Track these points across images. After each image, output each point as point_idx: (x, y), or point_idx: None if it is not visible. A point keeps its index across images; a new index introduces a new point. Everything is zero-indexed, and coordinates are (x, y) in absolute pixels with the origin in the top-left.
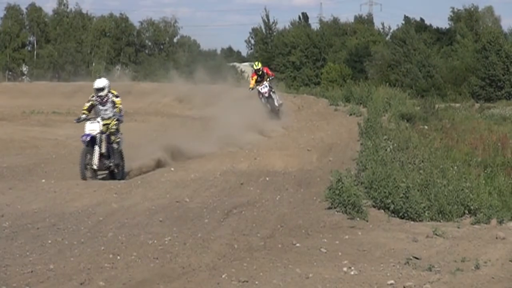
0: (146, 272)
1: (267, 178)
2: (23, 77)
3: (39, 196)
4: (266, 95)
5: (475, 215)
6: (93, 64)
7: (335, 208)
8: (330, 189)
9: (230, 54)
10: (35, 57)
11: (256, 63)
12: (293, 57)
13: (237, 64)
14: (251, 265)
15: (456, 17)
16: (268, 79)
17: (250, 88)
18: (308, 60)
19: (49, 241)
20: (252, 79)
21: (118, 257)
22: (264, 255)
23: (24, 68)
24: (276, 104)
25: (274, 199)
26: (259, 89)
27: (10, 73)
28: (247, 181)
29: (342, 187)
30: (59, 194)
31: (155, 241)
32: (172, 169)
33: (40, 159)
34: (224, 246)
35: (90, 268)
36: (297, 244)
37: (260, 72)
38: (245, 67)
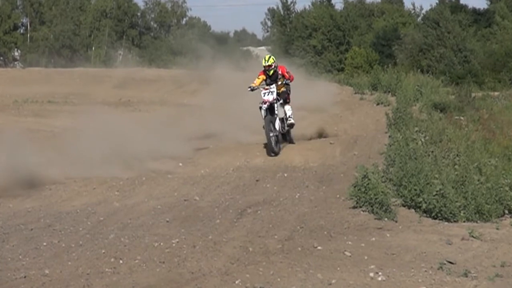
0: (151, 278)
1: (285, 174)
2: (15, 63)
3: (32, 194)
4: (265, 106)
5: None
6: (93, 48)
7: (360, 207)
8: (355, 186)
9: (244, 37)
10: (28, 40)
11: (266, 57)
12: (314, 40)
13: (251, 48)
14: (267, 270)
15: None
16: (283, 83)
17: (250, 87)
18: (331, 44)
19: (44, 244)
20: (259, 78)
21: (121, 261)
22: (282, 259)
23: (16, 53)
24: (278, 126)
25: (293, 197)
26: (262, 93)
27: (1, 58)
28: (263, 178)
29: (368, 184)
30: (55, 192)
31: (161, 244)
32: (180, 164)
33: None
34: (237, 249)
35: (89, 273)
36: (319, 247)
37: (272, 72)
38: (261, 51)
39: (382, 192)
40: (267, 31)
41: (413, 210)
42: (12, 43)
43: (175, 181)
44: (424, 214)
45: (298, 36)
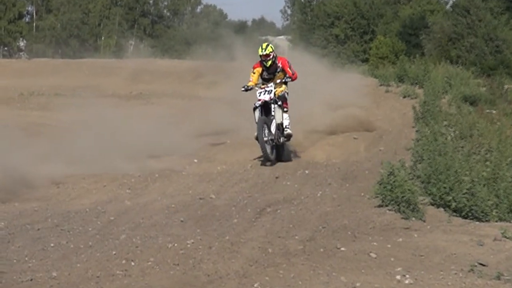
0: (165, 280)
1: (307, 171)
2: (21, 54)
3: (39, 192)
4: (259, 103)
5: None
6: (102, 38)
7: (386, 206)
8: (380, 184)
9: (263, 26)
10: (34, 30)
11: (264, 45)
12: (336, 29)
13: (270, 38)
14: (288, 272)
15: None
16: (283, 81)
17: (245, 86)
18: (355, 33)
19: (52, 245)
20: (254, 74)
21: (132, 263)
22: (304, 260)
23: (22, 43)
24: (274, 130)
25: (314, 195)
26: (257, 92)
27: (5, 48)
28: (283, 175)
29: (394, 181)
30: (63, 190)
31: (176, 245)
32: (195, 160)
33: None
34: (256, 250)
35: (99, 276)
36: (342, 248)
37: (270, 63)
38: (280, 41)
39: (409, 190)
40: (287, 20)
41: (442, 209)
42: (17, 32)
43: (190, 178)
44: (454, 213)
45: (320, 24)
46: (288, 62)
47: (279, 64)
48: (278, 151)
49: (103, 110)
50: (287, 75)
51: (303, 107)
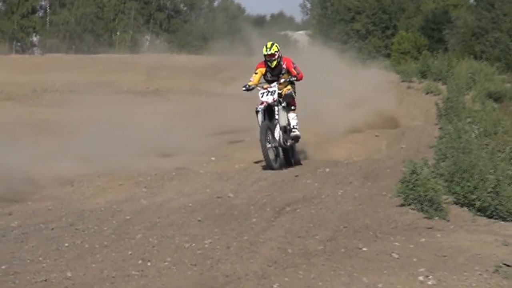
0: (182, 281)
1: (327, 170)
2: (34, 49)
3: (53, 190)
4: (262, 107)
5: None
6: (117, 33)
7: (408, 205)
8: (402, 183)
9: (282, 21)
10: (47, 24)
11: (268, 44)
12: (357, 24)
13: (289, 33)
14: (308, 273)
15: None
16: (288, 80)
17: (246, 86)
18: (376, 28)
19: (66, 244)
20: (256, 74)
21: (149, 263)
22: (324, 261)
23: (35, 38)
24: (278, 136)
25: (335, 194)
26: (259, 93)
27: (18, 44)
28: (302, 173)
29: (417, 180)
30: (78, 188)
31: (193, 245)
32: (213, 158)
33: None
34: (275, 250)
35: (115, 277)
36: (364, 248)
37: (275, 63)
38: (300, 36)
39: (432, 188)
40: (307, 14)
41: (466, 208)
42: (30, 27)
43: (207, 176)
44: (478, 213)
45: (340, 19)
46: (292, 62)
47: (284, 65)
48: (287, 154)
49: (118, 107)
50: (292, 75)
51: (323, 103)
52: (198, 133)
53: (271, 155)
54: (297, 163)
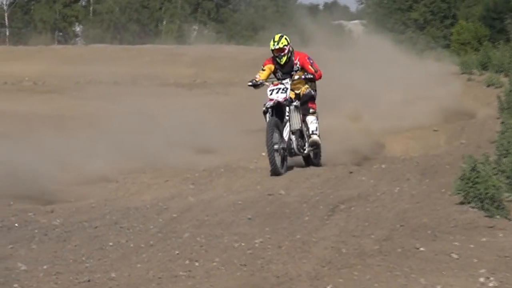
0: (231, 282)
1: (383, 166)
2: (77, 39)
3: (97, 187)
4: (270, 103)
5: None
6: (164, 22)
7: (468, 203)
8: (462, 180)
9: (336, 10)
10: (91, 14)
11: (276, 37)
12: (415, 13)
13: (344, 23)
14: (363, 274)
15: None
16: (303, 77)
17: (253, 81)
18: (434, 17)
19: (110, 244)
20: (264, 70)
21: (196, 264)
22: (380, 261)
23: (78, 28)
24: (287, 135)
25: (391, 191)
26: (268, 90)
27: (60, 34)
28: (357, 169)
29: (477, 176)
30: (122, 185)
31: (243, 244)
32: (263, 154)
33: None
34: (329, 250)
35: (161, 277)
36: (421, 248)
37: (285, 59)
38: (354, 25)
39: (493, 186)
40: (361, 3)
41: None
42: (73, 17)
43: (257, 173)
44: None
45: (397, 8)
46: (309, 58)
47: (297, 61)
48: (307, 162)
49: (164, 100)
50: (308, 72)
51: (379, 97)
52: (248, 127)
53: (278, 159)
54: (318, 164)
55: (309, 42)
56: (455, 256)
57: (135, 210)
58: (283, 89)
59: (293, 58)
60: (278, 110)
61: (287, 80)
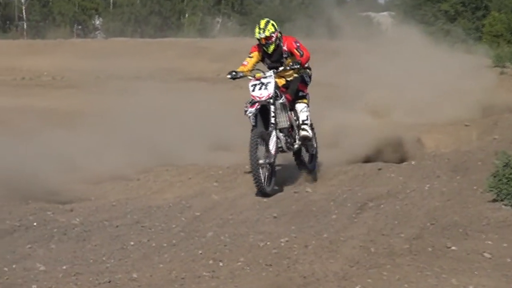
0: (256, 283)
1: (413, 162)
2: (96, 33)
3: (117, 185)
4: (253, 110)
5: None
6: (186, 15)
7: (501, 200)
8: (495, 177)
9: (363, 1)
10: (111, 6)
11: (262, 23)
12: (445, 4)
13: (372, 14)
14: (392, 274)
15: None
16: (292, 66)
17: (233, 73)
18: (466, 8)
19: (132, 243)
20: (251, 57)
21: (220, 264)
22: (410, 261)
23: (98, 21)
24: (274, 147)
25: (421, 189)
26: (250, 85)
27: (80, 27)
28: (386, 166)
29: (511, 173)
30: (144, 183)
31: (268, 243)
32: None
33: None
34: (357, 249)
35: (184, 278)
36: (453, 247)
37: (272, 47)
38: (383, 17)
39: None
40: None
41: None
42: (92, 9)
43: (282, 170)
44: None
45: None
46: (295, 41)
47: (285, 47)
48: (299, 159)
49: (187, 95)
50: (294, 63)
51: (409, 92)
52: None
53: (262, 174)
54: (312, 174)
55: (336, 34)
56: (487, 255)
57: (157, 209)
58: (266, 84)
59: (282, 45)
60: (263, 109)
61: (271, 72)
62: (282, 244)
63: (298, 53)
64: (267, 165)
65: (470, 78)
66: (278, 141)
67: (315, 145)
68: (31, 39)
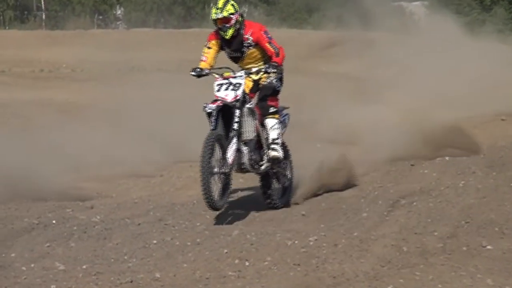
0: (283, 283)
1: (447, 158)
2: (118, 23)
3: (139, 181)
4: (213, 107)
5: None
6: (211, 5)
7: None
8: None
9: None
10: None
11: (220, 3)
12: None
13: (404, 4)
14: (425, 274)
15: None
16: (263, 69)
17: (196, 70)
18: None
19: (154, 242)
20: (210, 48)
21: (247, 263)
22: (444, 260)
23: (119, 11)
24: (232, 156)
25: (456, 185)
26: (215, 85)
27: (100, 17)
28: (419, 162)
29: None
30: (167, 179)
31: (296, 242)
32: (318, 145)
33: None
34: (389, 248)
35: (208, 278)
36: (488, 246)
37: (231, 32)
38: (416, 7)
39: None
40: None
41: None
42: None
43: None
44: None
45: None
46: (265, 32)
47: (248, 36)
48: (266, 185)
49: (212, 87)
50: (270, 64)
51: (446, 86)
52: (302, 117)
53: (214, 185)
54: (285, 204)
55: (368, 25)
56: None
57: (181, 206)
58: (234, 85)
59: (243, 32)
60: (226, 112)
61: (243, 73)
62: (311, 243)
63: (272, 51)
64: (222, 175)
65: (507, 70)
66: (241, 155)
67: (289, 175)
68: (49, 29)
